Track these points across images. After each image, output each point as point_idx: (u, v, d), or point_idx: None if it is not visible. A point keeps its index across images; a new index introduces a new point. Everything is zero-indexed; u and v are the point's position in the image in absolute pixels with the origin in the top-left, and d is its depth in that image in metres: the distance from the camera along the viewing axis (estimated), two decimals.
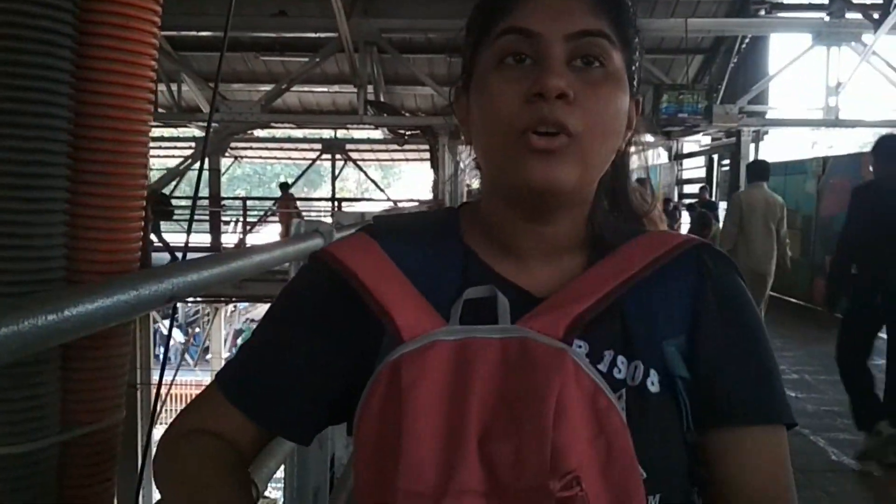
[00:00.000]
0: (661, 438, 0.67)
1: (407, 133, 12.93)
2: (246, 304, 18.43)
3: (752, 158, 12.25)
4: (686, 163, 15.71)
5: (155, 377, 7.80)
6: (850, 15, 11.13)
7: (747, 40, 12.42)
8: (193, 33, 11.13)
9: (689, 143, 15.34)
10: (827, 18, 11.31)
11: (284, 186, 15.22)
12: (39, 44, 1.56)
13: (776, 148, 20.11)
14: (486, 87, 0.69)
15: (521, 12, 0.68)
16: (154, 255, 7.92)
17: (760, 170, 6.05)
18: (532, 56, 0.67)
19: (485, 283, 0.70)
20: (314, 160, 16.72)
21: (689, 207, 11.27)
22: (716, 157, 13.91)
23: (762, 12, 11.98)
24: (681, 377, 0.69)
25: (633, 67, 0.73)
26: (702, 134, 13.59)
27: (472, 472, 0.58)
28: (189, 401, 0.80)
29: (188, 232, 2.41)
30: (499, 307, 0.67)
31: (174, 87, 12.70)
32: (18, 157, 1.57)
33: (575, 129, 0.65)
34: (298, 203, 16.11)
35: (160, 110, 12.30)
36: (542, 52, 0.66)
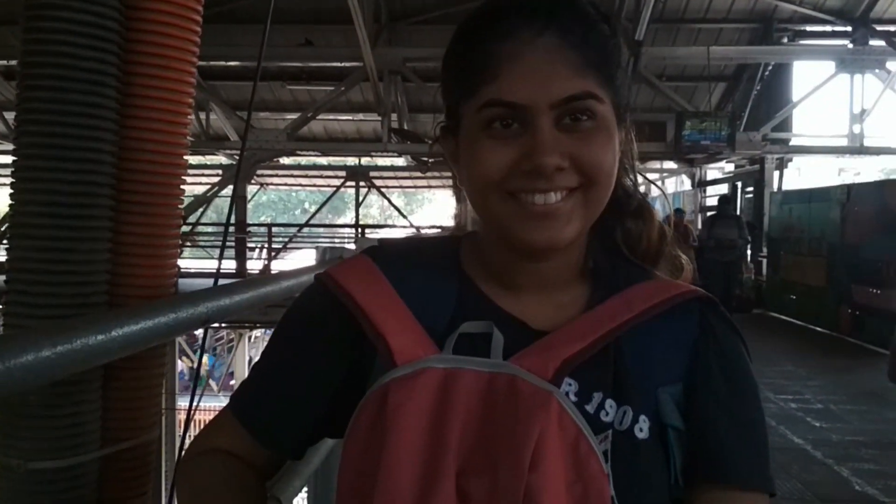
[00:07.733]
0: (645, 486, 0.66)
1: (430, 160, 13.01)
2: (270, 330, 18.52)
3: (776, 186, 12.23)
4: (710, 189, 15.67)
5: (179, 403, 7.89)
6: (873, 42, 11.13)
7: (770, 67, 12.41)
8: (222, 63, 11.38)
9: (713, 171, 15.31)
10: (850, 46, 11.31)
11: None
12: (87, 83, 1.67)
13: (802, 174, 19.98)
14: (475, 149, 0.69)
15: (506, 80, 0.66)
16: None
17: None
18: (519, 122, 0.67)
19: (480, 312, 0.72)
20: (338, 187, 16.90)
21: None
22: (739, 184, 13.87)
23: (785, 40, 11.98)
24: (673, 427, 0.69)
25: (620, 99, 0.72)
26: (725, 161, 13.56)
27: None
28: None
29: (220, 258, 2.47)
30: (493, 341, 0.67)
31: (203, 115, 12.94)
32: (66, 188, 1.67)
33: (579, 184, 0.68)
34: (322, 229, 15.82)
35: (189, 138, 12.46)
36: (529, 121, 0.66)
